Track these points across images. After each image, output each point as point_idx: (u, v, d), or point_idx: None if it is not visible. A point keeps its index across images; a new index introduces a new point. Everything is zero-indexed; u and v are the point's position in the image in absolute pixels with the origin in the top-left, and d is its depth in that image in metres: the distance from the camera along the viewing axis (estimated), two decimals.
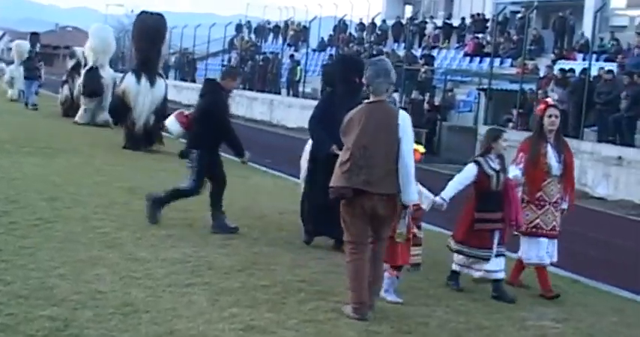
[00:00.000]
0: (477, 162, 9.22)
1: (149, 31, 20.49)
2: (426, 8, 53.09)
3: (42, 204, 11.57)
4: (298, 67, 39.28)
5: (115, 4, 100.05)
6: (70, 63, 29.86)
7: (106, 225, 10.51)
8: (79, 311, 6.97)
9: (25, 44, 35.44)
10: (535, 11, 36.66)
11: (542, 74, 28.75)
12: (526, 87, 27.58)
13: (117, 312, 7.05)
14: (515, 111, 26.86)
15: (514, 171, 9.46)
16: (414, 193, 7.94)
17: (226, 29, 52.84)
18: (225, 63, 48.46)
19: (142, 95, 20.08)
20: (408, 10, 56.06)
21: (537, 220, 9.57)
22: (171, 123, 11.84)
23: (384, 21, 46.69)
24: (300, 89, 39.16)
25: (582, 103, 23.63)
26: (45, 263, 8.39)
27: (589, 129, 24.01)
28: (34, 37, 41.12)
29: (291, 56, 42.13)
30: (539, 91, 26.21)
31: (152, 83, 20.28)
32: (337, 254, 10.10)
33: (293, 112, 35.75)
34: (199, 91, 11.79)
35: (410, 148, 7.77)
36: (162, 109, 20.10)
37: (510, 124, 26.70)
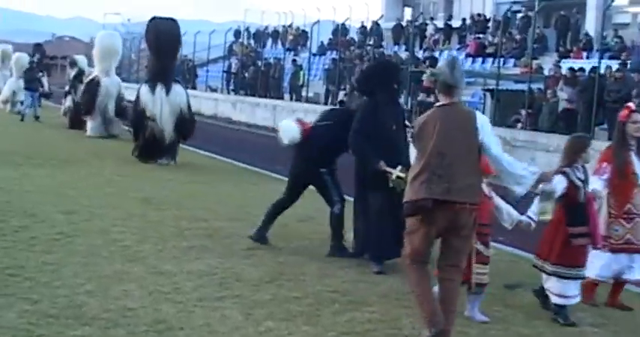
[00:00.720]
0: (565, 173, 8.36)
1: (163, 37, 19.66)
2: (425, 10, 52.85)
3: (59, 217, 11.35)
4: (301, 72, 38.98)
5: (113, 13, 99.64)
6: (72, 72, 29.45)
7: (127, 238, 10.28)
8: (112, 330, 6.75)
9: (25, 56, 34.42)
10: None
11: (546, 73, 28.54)
12: (532, 86, 27.34)
13: (150, 330, 6.83)
14: (523, 112, 26.60)
15: (595, 183, 8.71)
16: (523, 185, 7.36)
17: (226, 35, 52.64)
18: (226, 69, 48.30)
19: (159, 105, 19.15)
20: (408, 13, 55.85)
21: (628, 235, 8.88)
22: (291, 128, 10.82)
23: (376, 23, 46.33)
24: (304, 94, 38.88)
25: (592, 102, 23.39)
26: (70, 279, 8.16)
27: (599, 128, 23.77)
28: (38, 48, 40.24)
29: (294, 61, 41.88)
30: (548, 91, 25.97)
31: (168, 91, 19.31)
32: (362, 261, 9.91)
33: (297, 117, 35.60)
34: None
35: (499, 151, 7.23)
36: (185, 119, 19.65)
37: (519, 125, 26.50)
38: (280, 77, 41.76)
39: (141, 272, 8.69)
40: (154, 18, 20.39)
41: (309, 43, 47.61)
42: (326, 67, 40.30)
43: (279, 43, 53.16)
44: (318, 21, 45.55)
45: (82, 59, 29.70)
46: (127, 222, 11.40)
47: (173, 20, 20.45)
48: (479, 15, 42.35)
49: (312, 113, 34.87)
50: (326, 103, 35.90)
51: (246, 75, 45.08)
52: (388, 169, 9.34)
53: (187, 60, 50.82)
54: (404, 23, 46.59)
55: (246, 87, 44.64)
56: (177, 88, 19.74)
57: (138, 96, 19.58)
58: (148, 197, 13.74)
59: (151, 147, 19.15)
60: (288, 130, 10.74)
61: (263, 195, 15.20)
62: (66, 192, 13.66)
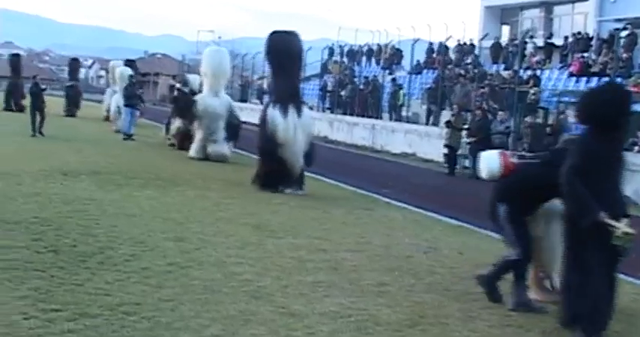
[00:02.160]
0: None
1: (287, 53, 17.89)
2: (524, 28, 51.47)
3: (169, 245, 10.52)
4: (401, 91, 37.98)
5: (206, 31, 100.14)
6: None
7: (246, 271, 9.38)
8: None
9: (127, 70, 33.73)
10: None
11: None
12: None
13: None
14: None
15: None
16: None
17: (322, 53, 52.12)
18: (321, 87, 47.56)
19: (292, 130, 17.24)
20: (505, 31, 54.50)
21: None
22: (492, 160, 9.23)
23: (458, 43, 45.13)
24: (403, 113, 37.87)
25: None
26: (192, 320, 7.27)
27: None
28: (131, 64, 39.96)
29: (393, 80, 40.90)
30: None
31: (299, 114, 17.51)
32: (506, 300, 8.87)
33: (397, 137, 34.49)
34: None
35: None
36: (312, 145, 18.10)
37: (636, 148, 25.06)
38: (379, 96, 40.71)
39: (268, 312, 7.76)
40: (274, 32, 18.54)
41: (403, 61, 46.69)
42: (426, 86, 39.25)
43: (374, 61, 52.32)
44: (418, 39, 44.57)
45: (193, 78, 27.90)
46: (242, 251, 10.51)
47: (295, 34, 18.55)
48: (579, 33, 40.88)
49: (412, 133, 34.04)
50: (427, 123, 34.86)
51: (343, 93, 44.20)
52: (612, 222, 7.54)
53: None
54: (503, 42, 45.32)
55: (343, 106, 43.76)
56: (306, 111, 18.16)
57: (265, 120, 17.60)
58: (260, 223, 12.87)
59: (278, 175, 17.27)
60: (489, 162, 9.25)
61: (378, 222, 14.39)
62: (173, 216, 12.86)
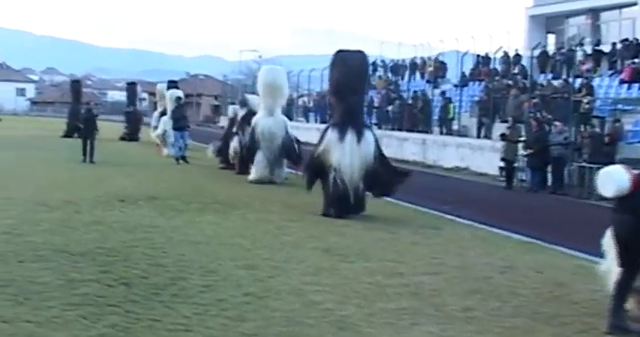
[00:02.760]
0: None
1: (352, 72, 16.71)
2: (570, 36, 50.79)
3: (241, 273, 10.16)
4: (451, 104, 37.30)
5: (249, 50, 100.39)
6: (241, 112, 26.58)
7: (325, 299, 8.98)
8: None
9: (177, 92, 32.56)
10: None
11: None
12: None
13: None
14: None
15: None
16: None
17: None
18: (368, 102, 47.15)
19: (349, 155, 16.20)
20: (551, 40, 53.79)
21: None
22: (623, 176, 8.54)
23: (504, 53, 44.57)
24: (454, 127, 37.30)
25: None
26: None
27: None
28: (173, 85, 39.04)
29: (442, 93, 40.32)
30: None
31: (359, 138, 16.34)
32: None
33: (449, 151, 33.89)
34: None
35: None
36: (374, 170, 16.57)
37: None
38: (429, 110, 40.00)
39: None
40: (340, 51, 17.41)
41: (447, 74, 46.16)
42: (474, 98, 38.70)
43: (418, 74, 51.88)
44: (467, 52, 44.14)
45: (253, 99, 26.64)
46: (317, 278, 10.12)
47: (361, 53, 17.44)
48: (627, 39, 40.14)
49: (464, 147, 33.47)
50: (478, 136, 34.28)
51: (389, 108, 43.73)
52: None
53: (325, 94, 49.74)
54: (550, 50, 44.66)
55: (391, 121, 43.25)
56: (367, 135, 16.68)
57: (322, 143, 16.74)
58: (329, 247, 12.49)
59: (338, 202, 16.29)
60: (617, 178, 8.55)
61: (448, 241, 13.99)
62: (239, 242, 12.51)
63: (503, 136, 27.15)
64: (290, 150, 23.38)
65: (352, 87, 16.70)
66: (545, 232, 15.64)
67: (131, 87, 51.79)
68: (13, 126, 54.06)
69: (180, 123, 29.81)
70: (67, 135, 43.65)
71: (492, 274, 11.14)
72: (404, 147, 38.38)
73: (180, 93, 32.38)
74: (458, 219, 17.20)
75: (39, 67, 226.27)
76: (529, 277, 11.14)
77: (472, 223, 16.68)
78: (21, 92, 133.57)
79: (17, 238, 11.97)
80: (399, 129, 41.03)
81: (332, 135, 16.50)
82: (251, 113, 24.92)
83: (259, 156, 22.97)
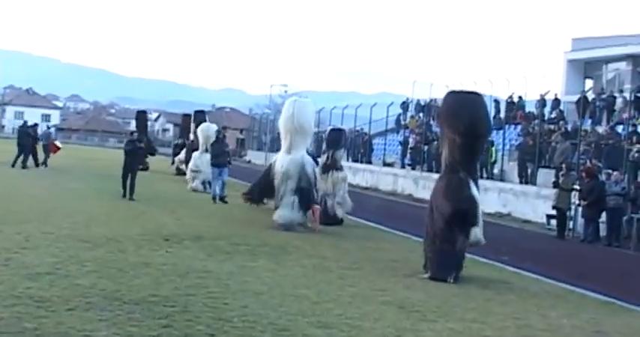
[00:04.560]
0: None
1: (467, 116, 14.25)
2: (609, 82, 49.86)
3: (317, 333, 9.16)
4: (492, 148, 35.95)
5: (280, 85, 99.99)
6: None
7: None
8: None
9: (212, 126, 31.22)
10: None
11: None
12: None
13: None
14: None
15: None
16: None
17: (388, 109, 51.60)
18: (401, 142, 46.20)
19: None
20: (589, 85, 52.89)
21: None
22: None
23: (541, 97, 43.67)
24: (495, 171, 36.15)
25: None
26: None
27: None
28: (200, 115, 37.43)
29: None
30: None
31: (476, 185, 14.61)
32: None
33: (490, 196, 32.59)
34: None
35: None
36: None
37: None
38: None
39: None
40: (453, 92, 15.29)
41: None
42: (513, 142, 37.68)
43: None
44: (515, 96, 43.28)
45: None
46: None
47: (479, 95, 15.25)
48: None
49: (506, 192, 32.39)
50: (520, 182, 33.19)
51: (424, 149, 42.72)
52: None
53: (363, 133, 48.73)
54: (589, 96, 43.68)
55: (426, 162, 42.15)
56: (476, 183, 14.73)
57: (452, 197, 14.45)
58: (401, 302, 11.51)
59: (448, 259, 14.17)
60: None
61: (522, 298, 13.26)
62: (303, 293, 11.49)
63: (555, 184, 26.10)
64: (304, 195, 20.48)
65: (469, 132, 14.28)
66: (617, 289, 14.71)
67: (186, 118, 48.38)
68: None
69: (220, 159, 27.26)
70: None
71: None
72: None
73: (215, 126, 31.28)
74: (524, 273, 16.19)
75: (63, 93, 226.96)
76: None
77: (539, 277, 15.68)
78: (46, 118, 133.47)
79: (63, 280, 10.99)
80: (437, 172, 39.85)
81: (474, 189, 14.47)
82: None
83: (277, 197, 20.51)
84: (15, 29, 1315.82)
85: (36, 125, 39.33)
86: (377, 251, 17.29)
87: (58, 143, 40.19)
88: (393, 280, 13.50)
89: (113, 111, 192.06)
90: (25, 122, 41.65)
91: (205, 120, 35.30)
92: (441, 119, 15.56)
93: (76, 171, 37.62)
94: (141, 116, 49.08)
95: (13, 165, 35.59)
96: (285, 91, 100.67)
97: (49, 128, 41.13)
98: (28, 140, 36.87)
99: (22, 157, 36.27)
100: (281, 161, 20.73)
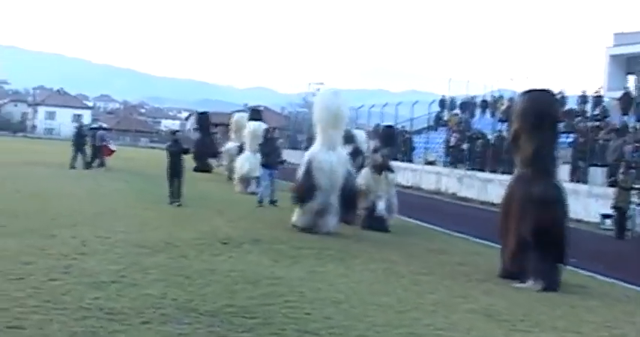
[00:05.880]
0: None
1: (542, 113, 14.01)
2: None
3: None
4: None
5: (316, 83, 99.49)
6: (347, 149, 20.64)
7: None
8: None
9: (263, 125, 28.99)
10: None
11: None
12: None
13: None
14: None
15: None
16: None
17: (430, 107, 50.86)
18: (444, 141, 45.49)
19: None
20: (631, 81, 51.96)
21: None
22: None
23: (582, 94, 42.83)
24: None
25: None
26: None
27: None
28: (256, 113, 34.50)
29: None
30: None
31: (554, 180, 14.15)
32: None
33: None
34: None
35: None
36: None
37: None
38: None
39: None
40: (529, 91, 14.86)
41: None
42: (569, 139, 36.94)
43: (487, 113, 50.32)
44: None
45: (360, 134, 23.39)
46: None
47: (552, 94, 15.18)
48: None
49: None
50: (571, 180, 32.41)
51: (464, 147, 41.95)
52: None
53: (403, 131, 47.93)
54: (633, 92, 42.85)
55: (468, 161, 41.32)
56: (551, 184, 14.14)
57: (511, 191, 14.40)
58: (486, 309, 10.97)
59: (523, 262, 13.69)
60: None
61: (608, 304, 12.69)
62: (384, 301, 10.92)
63: (614, 183, 25.35)
64: (350, 196, 19.55)
65: (541, 129, 14.06)
66: None
67: (203, 116, 47.87)
68: None
69: (270, 158, 25.05)
70: (196, 169, 40.33)
71: None
72: (487, 188, 36.46)
73: (265, 125, 29.05)
74: (598, 276, 15.53)
75: (93, 93, 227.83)
76: None
77: (614, 281, 15.06)
78: (77, 118, 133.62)
79: (130, 289, 10.42)
80: (481, 170, 39.06)
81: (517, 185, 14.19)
82: (357, 151, 22.18)
83: (316, 198, 18.67)
84: (48, 32, 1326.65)
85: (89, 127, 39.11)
86: (441, 253, 16.69)
87: (112, 146, 39.36)
88: (469, 285, 12.93)
89: (143, 110, 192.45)
90: (82, 123, 41.49)
91: (261, 119, 32.21)
92: (515, 117, 14.96)
93: (114, 171, 37.14)
94: (203, 117, 47.70)
95: (72, 167, 35.33)
96: (318, 89, 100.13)
97: (101, 129, 39.87)
98: (84, 141, 36.82)
99: (82, 157, 36.19)
100: (324, 159, 18.72)
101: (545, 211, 13.41)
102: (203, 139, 44.58)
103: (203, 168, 41.69)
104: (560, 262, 13.56)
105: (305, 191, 18.76)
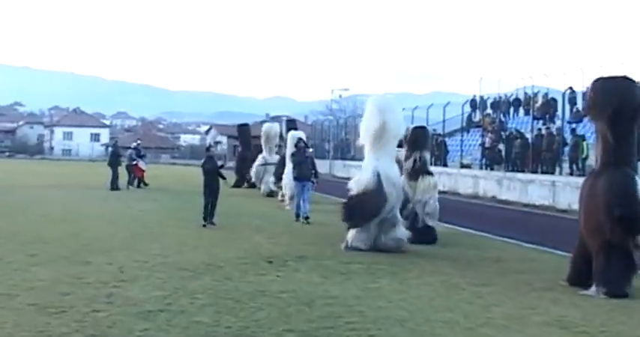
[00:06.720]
0: None
1: (623, 105, 12.72)
2: None
3: None
4: (584, 142, 33.70)
5: (341, 89, 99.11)
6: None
7: None
8: None
9: (297, 134, 27.61)
10: None
11: None
12: None
13: None
14: None
15: None
16: None
17: (463, 108, 50.09)
18: (480, 143, 44.46)
19: None
20: None
21: None
22: None
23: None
24: (591, 163, 34.16)
25: None
26: None
27: None
28: (291, 123, 33.97)
29: (573, 130, 37.20)
30: None
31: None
32: None
33: None
34: None
35: None
36: None
37: None
38: (558, 150, 36.50)
39: None
40: (600, 79, 13.49)
41: (559, 111, 43.01)
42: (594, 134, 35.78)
43: (521, 111, 49.46)
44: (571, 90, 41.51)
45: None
46: None
47: (631, 80, 13.37)
48: None
49: None
50: None
51: (500, 148, 40.93)
52: None
53: (436, 134, 46.65)
54: None
55: (505, 162, 40.24)
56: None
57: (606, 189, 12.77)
58: (561, 321, 10.24)
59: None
60: None
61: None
62: (450, 318, 10.21)
63: None
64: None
65: (624, 118, 12.85)
66: None
67: (243, 129, 46.04)
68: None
69: (302, 171, 23.63)
70: (237, 185, 39.52)
71: None
72: (529, 189, 35.47)
73: (301, 134, 27.82)
74: None
75: (109, 111, 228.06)
76: None
77: None
78: (95, 137, 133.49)
79: (180, 317, 9.76)
80: (522, 171, 37.95)
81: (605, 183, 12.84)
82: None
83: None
84: (58, 50, 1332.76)
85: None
86: (496, 262, 15.93)
87: (142, 165, 38.46)
88: (535, 295, 12.18)
89: (161, 126, 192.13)
90: (116, 142, 40.94)
91: (296, 130, 30.79)
92: (590, 109, 13.79)
93: (140, 190, 36.59)
94: (244, 129, 45.85)
95: (113, 188, 34.90)
96: (340, 96, 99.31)
97: (133, 148, 38.74)
98: (120, 161, 36.42)
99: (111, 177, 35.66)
100: (394, 173, 17.54)
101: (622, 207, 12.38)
102: (243, 153, 43.12)
103: (241, 184, 40.31)
104: (631, 266, 12.67)
105: (372, 208, 16.95)
